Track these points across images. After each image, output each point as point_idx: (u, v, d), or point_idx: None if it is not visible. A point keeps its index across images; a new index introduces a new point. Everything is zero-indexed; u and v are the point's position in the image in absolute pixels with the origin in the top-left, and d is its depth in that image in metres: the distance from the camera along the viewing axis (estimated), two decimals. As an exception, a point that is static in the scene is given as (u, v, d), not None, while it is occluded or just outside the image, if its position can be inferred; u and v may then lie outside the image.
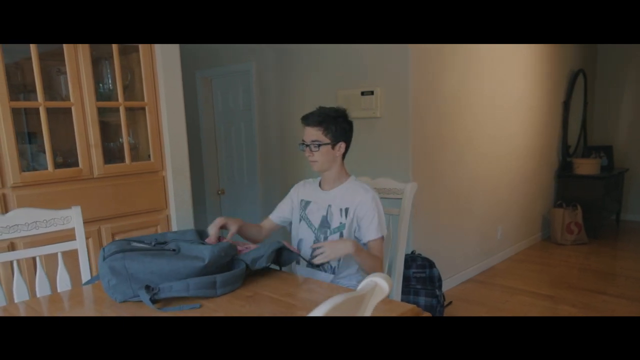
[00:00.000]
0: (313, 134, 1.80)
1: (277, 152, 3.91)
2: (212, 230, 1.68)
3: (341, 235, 1.81)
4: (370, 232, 1.79)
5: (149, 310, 1.32)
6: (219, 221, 1.72)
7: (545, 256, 4.42)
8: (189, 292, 1.36)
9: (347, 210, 1.81)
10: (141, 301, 1.36)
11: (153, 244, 1.50)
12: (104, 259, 1.37)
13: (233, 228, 1.77)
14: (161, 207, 2.50)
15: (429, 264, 3.00)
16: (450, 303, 3.27)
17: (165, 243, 1.52)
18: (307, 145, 1.82)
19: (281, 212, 2.02)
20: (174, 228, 2.55)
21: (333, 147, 1.81)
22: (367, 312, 0.76)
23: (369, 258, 1.75)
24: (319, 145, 1.79)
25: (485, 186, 3.96)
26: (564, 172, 5.11)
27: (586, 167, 4.93)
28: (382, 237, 1.81)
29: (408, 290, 2.94)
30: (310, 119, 1.81)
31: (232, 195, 4.51)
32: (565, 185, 5.03)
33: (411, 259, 3.00)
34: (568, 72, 5.05)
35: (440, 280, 3.00)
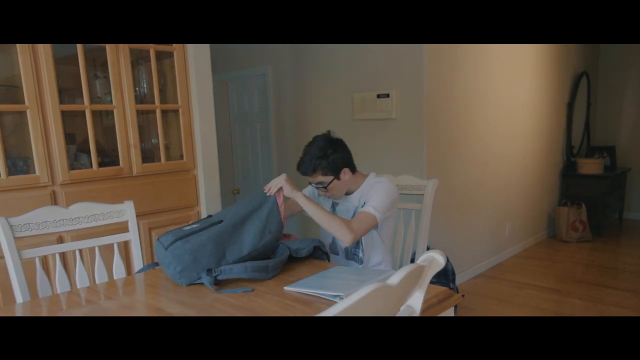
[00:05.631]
0: (314, 179, 1.88)
1: (293, 153, 4.05)
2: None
3: None
4: (366, 207, 1.84)
5: (205, 292, 1.46)
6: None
7: (551, 253, 4.57)
8: (247, 274, 1.52)
9: (364, 204, 1.89)
10: (198, 283, 1.52)
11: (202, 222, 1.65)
12: (166, 248, 1.51)
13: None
14: (193, 204, 2.64)
15: (443, 259, 3.14)
16: (462, 296, 3.41)
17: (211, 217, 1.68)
18: (317, 187, 1.92)
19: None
20: (205, 224, 2.69)
21: (338, 177, 1.88)
22: (425, 281, 0.91)
23: (326, 215, 1.77)
24: (326, 185, 1.88)
25: (494, 184, 4.10)
26: (568, 171, 5.25)
27: (590, 166, 5.07)
28: (372, 216, 1.81)
29: (423, 283, 3.08)
30: (303, 169, 1.86)
31: (247, 194, 4.65)
32: (570, 184, 5.18)
33: (426, 254, 3.14)
34: (572, 75, 5.19)
35: (453, 274, 3.14)
